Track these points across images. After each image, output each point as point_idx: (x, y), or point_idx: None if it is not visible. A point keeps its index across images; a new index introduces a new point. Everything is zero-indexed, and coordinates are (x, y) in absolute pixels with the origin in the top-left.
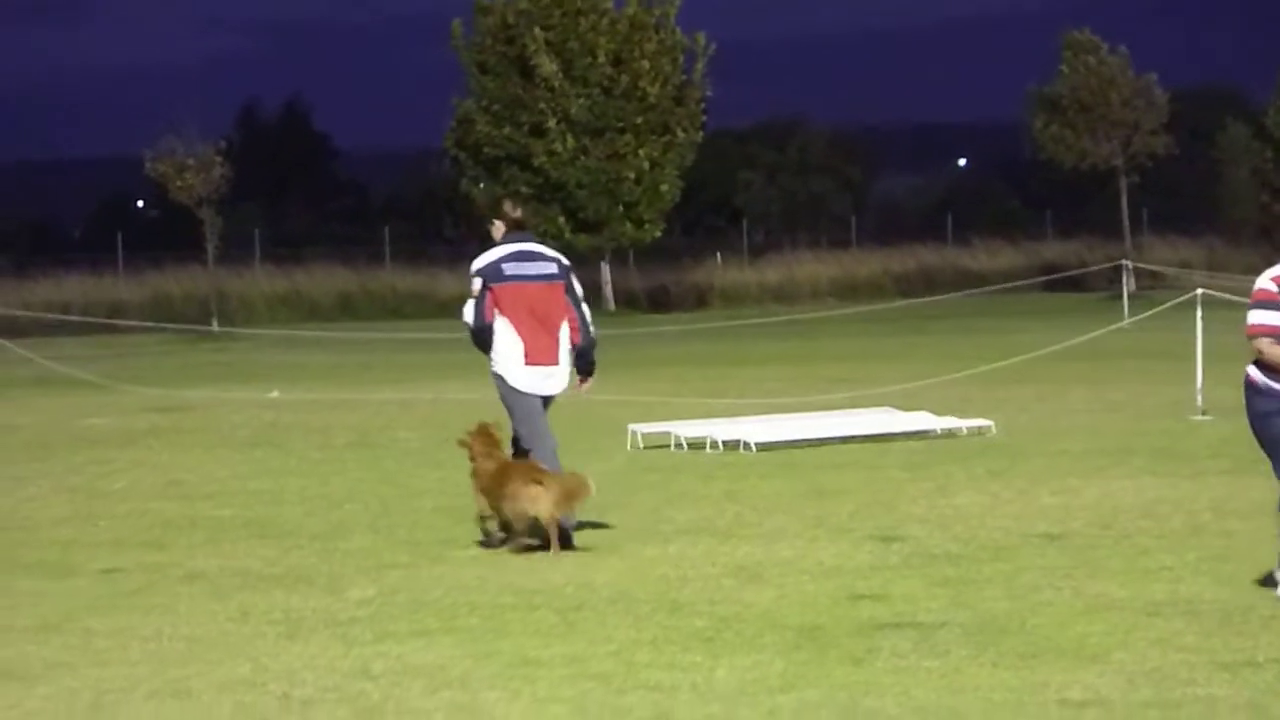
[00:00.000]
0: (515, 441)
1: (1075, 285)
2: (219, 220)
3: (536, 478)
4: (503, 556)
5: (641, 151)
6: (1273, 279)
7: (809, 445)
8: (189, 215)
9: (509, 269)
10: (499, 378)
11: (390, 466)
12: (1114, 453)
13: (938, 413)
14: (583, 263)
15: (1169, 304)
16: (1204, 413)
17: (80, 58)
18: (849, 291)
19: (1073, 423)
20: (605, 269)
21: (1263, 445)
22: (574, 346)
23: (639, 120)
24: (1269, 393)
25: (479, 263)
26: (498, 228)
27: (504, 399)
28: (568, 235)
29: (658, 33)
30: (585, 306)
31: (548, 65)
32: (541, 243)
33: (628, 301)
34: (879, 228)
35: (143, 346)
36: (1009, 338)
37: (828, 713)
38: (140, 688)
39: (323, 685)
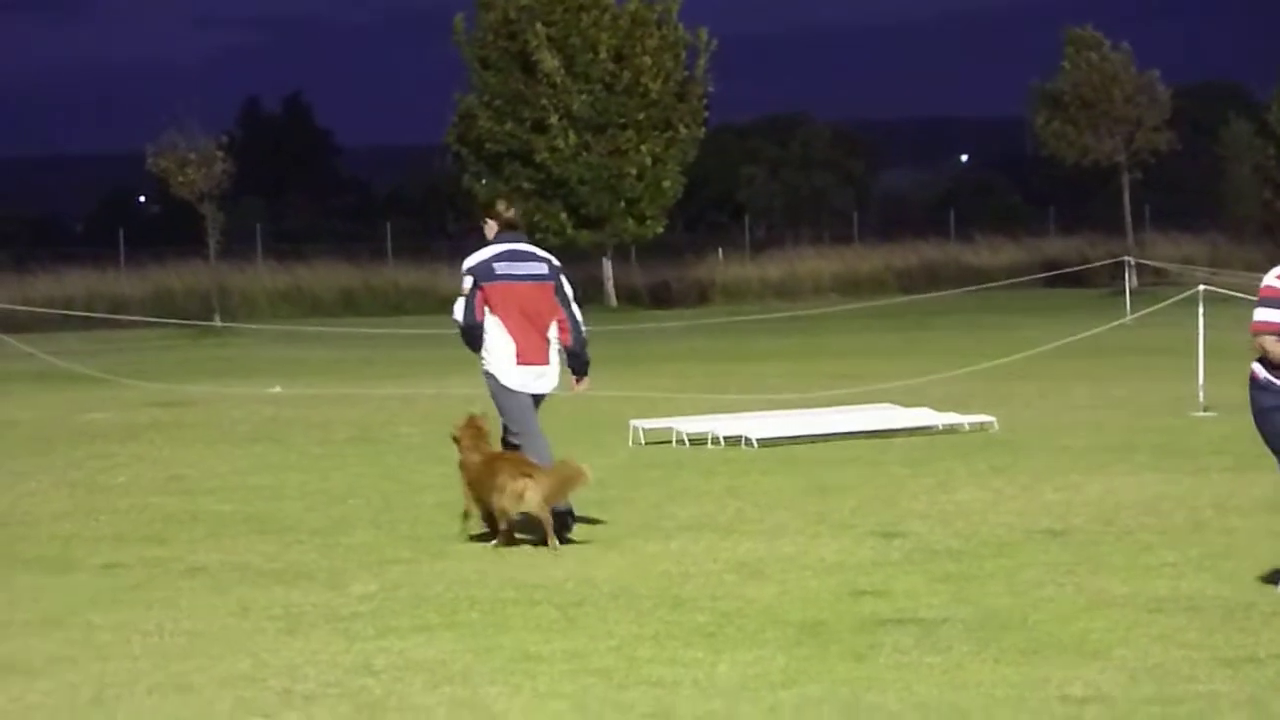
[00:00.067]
0: (504, 438)
1: (1077, 281)
2: (221, 215)
3: (526, 471)
4: (503, 552)
5: (644, 147)
6: (1278, 276)
7: (811, 441)
8: (191, 210)
9: (500, 268)
10: (491, 377)
11: (391, 462)
12: (1116, 449)
13: (939, 408)
14: (585, 259)
15: (1171, 300)
16: (1206, 409)
17: (82, 54)
18: (851, 287)
19: (1075, 419)
20: (607, 265)
21: (1266, 441)
22: (564, 347)
23: (641, 116)
24: (1272, 389)
25: (470, 261)
26: (490, 226)
27: (495, 398)
28: (570, 231)
29: (659, 28)
30: (576, 307)
31: (550, 61)
32: (533, 243)
33: (629, 297)
34: (881, 223)
35: (144, 341)
36: (1011, 334)
37: (829, 708)
38: (141, 682)
39: (324, 680)
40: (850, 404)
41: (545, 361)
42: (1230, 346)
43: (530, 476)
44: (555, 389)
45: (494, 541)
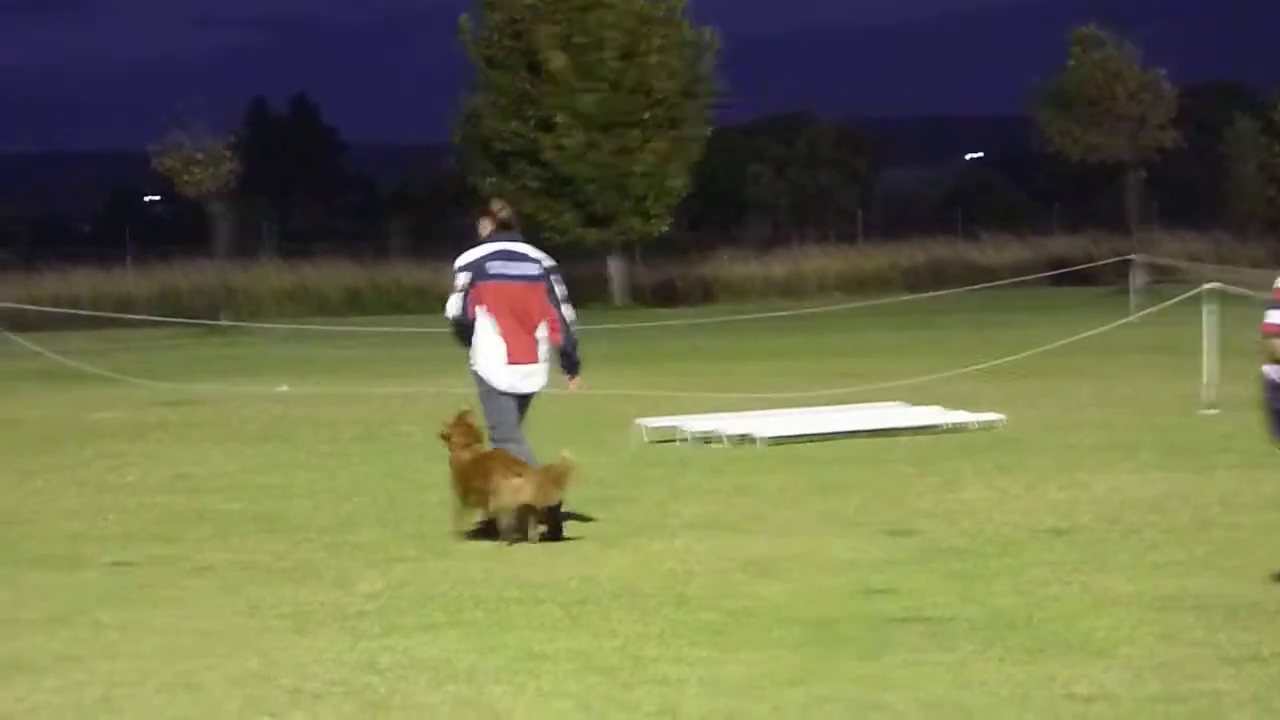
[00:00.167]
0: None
1: (1083, 280)
2: (227, 215)
3: (517, 470)
4: (508, 551)
5: (650, 146)
6: None
7: (817, 440)
8: (197, 210)
9: (493, 267)
10: (479, 378)
11: (397, 460)
12: (1122, 447)
13: (946, 407)
14: (591, 257)
15: (1177, 298)
16: (1212, 407)
17: (85, 52)
18: (856, 286)
19: (1081, 417)
20: (613, 263)
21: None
22: (554, 346)
23: (647, 115)
24: None
25: (464, 259)
26: (484, 225)
27: (481, 396)
28: (576, 229)
29: (665, 27)
30: (566, 307)
31: (556, 60)
32: (532, 243)
33: (635, 295)
34: (886, 222)
35: (151, 340)
36: (1017, 332)
37: (837, 707)
38: (150, 681)
39: (330, 679)
40: (856, 403)
41: (534, 360)
42: (1236, 345)
43: (521, 475)
44: (545, 387)
45: (502, 538)
